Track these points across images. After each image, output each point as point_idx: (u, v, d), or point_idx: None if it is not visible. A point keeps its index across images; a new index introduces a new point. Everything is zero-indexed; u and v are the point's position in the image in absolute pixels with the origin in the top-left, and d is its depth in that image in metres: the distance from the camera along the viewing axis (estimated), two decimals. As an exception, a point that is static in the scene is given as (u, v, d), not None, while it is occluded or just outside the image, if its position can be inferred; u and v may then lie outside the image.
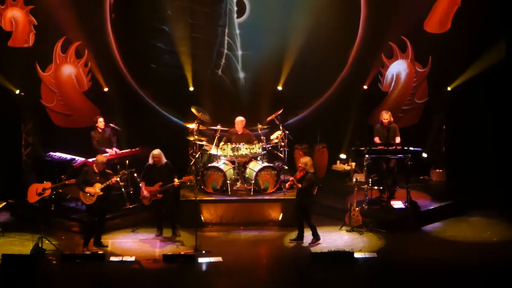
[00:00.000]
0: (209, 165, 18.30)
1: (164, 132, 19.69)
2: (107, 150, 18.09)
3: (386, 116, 18.01)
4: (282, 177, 18.08)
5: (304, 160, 16.30)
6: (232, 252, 15.88)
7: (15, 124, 19.67)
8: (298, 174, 16.33)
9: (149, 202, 16.55)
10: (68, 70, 19.99)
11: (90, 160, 17.70)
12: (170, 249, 16.01)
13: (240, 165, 18.45)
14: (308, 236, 16.38)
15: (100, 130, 18.39)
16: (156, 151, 16.61)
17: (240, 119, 18.70)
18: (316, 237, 16.28)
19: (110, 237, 16.73)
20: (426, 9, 20.07)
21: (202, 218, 17.53)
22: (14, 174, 19.25)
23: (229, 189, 18.01)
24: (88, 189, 15.76)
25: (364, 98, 20.49)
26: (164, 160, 16.62)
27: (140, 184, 16.82)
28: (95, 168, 16.03)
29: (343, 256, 15.02)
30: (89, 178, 15.90)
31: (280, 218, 17.50)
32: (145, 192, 16.48)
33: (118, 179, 16.61)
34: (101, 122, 18.40)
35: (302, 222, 16.33)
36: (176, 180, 16.47)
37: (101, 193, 15.85)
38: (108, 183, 15.99)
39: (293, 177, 16.50)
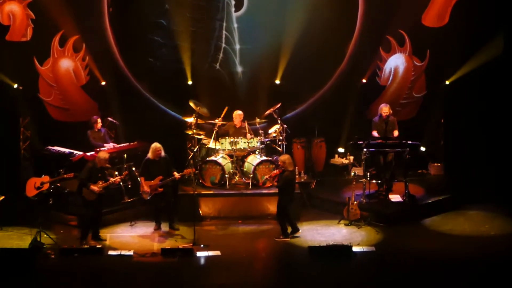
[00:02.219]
0: (207, 159, 18.31)
1: (162, 126, 19.64)
2: (105, 145, 18.12)
3: (385, 109, 18.01)
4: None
5: (283, 158, 16.28)
6: (230, 245, 15.88)
7: (13, 118, 19.64)
8: (274, 172, 16.43)
9: (149, 196, 16.55)
10: (66, 64, 19.97)
11: (88, 154, 17.74)
12: (168, 243, 16.02)
13: (238, 159, 18.47)
14: (308, 229, 16.47)
15: (97, 130, 18.42)
16: (158, 144, 16.59)
17: (238, 113, 18.71)
18: (284, 234, 16.28)
19: (109, 231, 16.74)
20: (424, 3, 20.06)
21: (201, 212, 17.54)
22: (12, 168, 19.22)
23: (227, 183, 18.02)
24: (92, 186, 15.76)
25: (362, 92, 20.50)
26: (163, 153, 16.62)
27: (139, 179, 16.80)
28: (97, 164, 16.02)
29: (341, 250, 15.01)
30: (93, 174, 15.90)
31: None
32: (145, 187, 16.46)
33: (121, 180, 16.69)
34: (99, 123, 18.43)
35: (289, 216, 16.34)
36: (176, 173, 16.48)
37: (104, 191, 15.89)
38: (112, 181, 16.04)
39: (268, 175, 16.68)
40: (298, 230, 16.32)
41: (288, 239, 16.15)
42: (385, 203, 17.62)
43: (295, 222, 16.41)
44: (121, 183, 17.66)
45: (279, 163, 16.33)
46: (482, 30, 19.65)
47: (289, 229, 16.30)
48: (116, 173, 17.07)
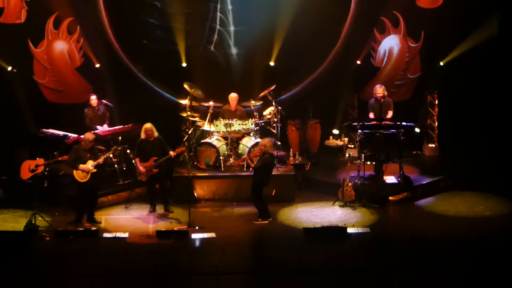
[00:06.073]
0: (202, 141, 18.30)
1: (157, 108, 19.60)
2: (98, 127, 18.10)
3: (379, 90, 18.00)
4: (275, 153, 18.00)
5: (264, 142, 16.28)
6: (225, 227, 15.89)
7: (7, 100, 19.60)
8: (254, 153, 16.51)
9: (146, 177, 16.54)
10: (60, 46, 19.94)
11: (83, 136, 17.68)
12: (163, 225, 16.03)
13: (233, 141, 18.46)
14: (302, 211, 16.46)
15: (94, 108, 18.40)
16: (148, 124, 16.55)
17: (233, 96, 18.68)
18: (263, 217, 16.25)
19: (103, 213, 16.75)
20: (419, -17, 20.09)
21: (195, 194, 17.55)
22: (7, 150, 19.19)
23: (222, 165, 18.01)
24: (81, 166, 15.76)
25: (356, 74, 20.49)
26: (156, 134, 16.59)
27: (134, 161, 16.80)
28: (83, 145, 16.02)
29: (336, 231, 15.03)
30: (81, 155, 15.89)
31: (273, 194, 17.44)
32: (141, 168, 16.45)
33: (111, 155, 16.64)
34: (93, 100, 18.41)
35: (262, 199, 16.27)
36: (171, 152, 16.42)
37: (95, 170, 15.87)
38: (101, 159, 16.00)
39: (246, 155, 17.01)
40: (269, 217, 16.27)
41: (267, 221, 16.19)
42: (380, 184, 17.63)
43: (268, 208, 16.34)
44: (116, 166, 17.67)
45: (261, 146, 16.29)
46: (477, 11, 19.67)
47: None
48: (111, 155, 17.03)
